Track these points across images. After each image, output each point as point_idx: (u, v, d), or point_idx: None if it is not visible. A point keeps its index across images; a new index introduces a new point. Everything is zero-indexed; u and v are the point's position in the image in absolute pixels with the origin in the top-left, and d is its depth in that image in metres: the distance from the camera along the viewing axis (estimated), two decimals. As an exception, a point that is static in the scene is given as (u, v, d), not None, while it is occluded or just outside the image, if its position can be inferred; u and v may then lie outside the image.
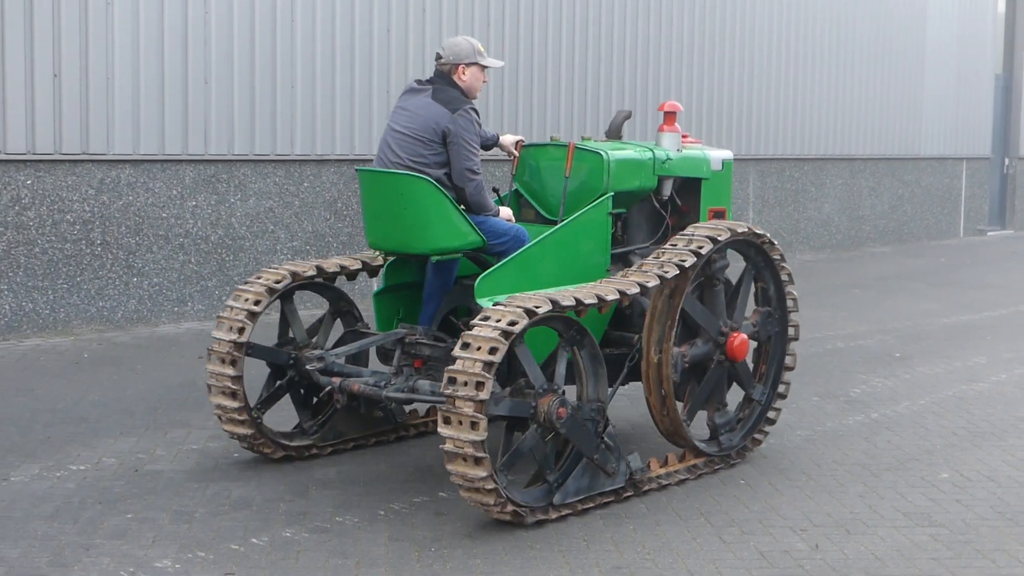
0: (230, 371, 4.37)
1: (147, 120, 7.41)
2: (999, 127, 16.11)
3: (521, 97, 9.77)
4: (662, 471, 4.51)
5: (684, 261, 4.32)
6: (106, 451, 4.69)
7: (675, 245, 4.48)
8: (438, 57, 4.72)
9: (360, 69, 8.66)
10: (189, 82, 7.63)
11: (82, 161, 7.22)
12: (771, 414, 5.02)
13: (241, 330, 4.38)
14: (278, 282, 4.55)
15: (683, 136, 5.27)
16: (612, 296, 4.13)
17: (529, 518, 3.93)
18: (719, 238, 4.50)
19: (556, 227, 4.59)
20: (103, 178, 7.31)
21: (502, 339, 3.68)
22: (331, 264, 4.82)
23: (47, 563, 3.62)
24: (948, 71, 14.75)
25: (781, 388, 5.04)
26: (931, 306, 9.79)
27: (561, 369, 4.13)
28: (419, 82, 4.76)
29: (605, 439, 4.23)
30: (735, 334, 4.70)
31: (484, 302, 4.10)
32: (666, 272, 4.29)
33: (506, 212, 4.79)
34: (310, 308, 7.07)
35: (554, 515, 4.03)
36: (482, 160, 5.22)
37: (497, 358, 3.67)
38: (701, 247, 4.42)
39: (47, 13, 6.93)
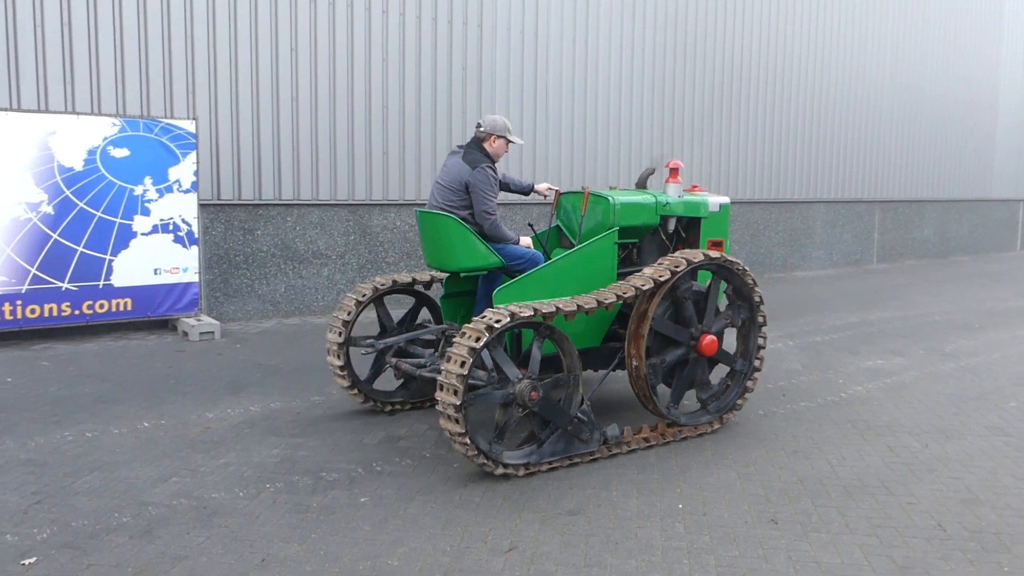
0: (338, 362, 5.37)
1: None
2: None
3: (599, 153, 11.65)
4: (639, 436, 5.00)
5: (644, 286, 4.87)
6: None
7: (643, 273, 4.98)
8: (478, 126, 5.39)
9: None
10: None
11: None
12: (749, 383, 5.48)
13: (340, 333, 5.36)
14: (364, 296, 5.43)
15: (694, 187, 5.98)
16: (570, 308, 4.59)
17: (497, 470, 4.38)
18: (676, 268, 4.95)
19: (567, 252, 5.16)
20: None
21: (486, 332, 4.28)
22: (405, 277, 5.65)
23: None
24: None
25: (757, 363, 5.52)
26: (1000, 294, 11.57)
27: (536, 359, 4.54)
28: (459, 146, 5.46)
29: (578, 414, 4.66)
30: (704, 335, 5.19)
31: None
32: (625, 293, 4.83)
33: (525, 241, 5.39)
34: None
35: (532, 470, 4.50)
36: (524, 203, 6.73)
37: (479, 345, 4.23)
38: (661, 275, 4.90)
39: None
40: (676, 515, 4.07)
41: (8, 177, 7.11)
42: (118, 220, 7.62)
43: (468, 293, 5.71)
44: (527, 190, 5.90)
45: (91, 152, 7.45)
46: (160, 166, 7.79)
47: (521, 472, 4.47)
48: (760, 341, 5.57)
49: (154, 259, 7.83)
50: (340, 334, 5.40)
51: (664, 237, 5.75)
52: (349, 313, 5.40)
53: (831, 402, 6.11)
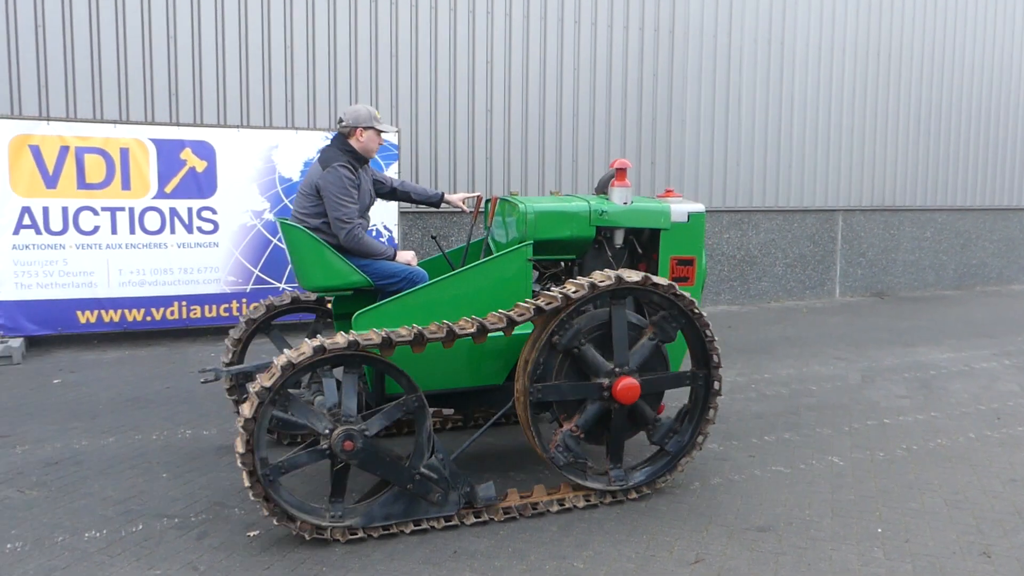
0: (226, 385, 5.04)
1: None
2: None
3: (794, 162, 11.10)
4: (555, 496, 4.12)
5: (497, 323, 3.96)
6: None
7: (541, 296, 4.06)
8: (340, 120, 4.62)
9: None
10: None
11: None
12: (683, 461, 4.38)
13: (230, 363, 5.02)
14: (238, 339, 5.05)
15: (667, 192, 5.00)
16: (404, 338, 3.73)
17: (329, 535, 3.70)
18: (547, 306, 3.96)
19: (456, 271, 4.26)
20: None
21: (259, 396, 3.55)
22: (286, 297, 5.19)
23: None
24: None
25: (699, 438, 4.39)
26: None
27: (350, 403, 3.74)
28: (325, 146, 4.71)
29: (423, 470, 3.82)
30: (622, 378, 4.12)
31: None
32: (499, 321, 3.96)
33: (405, 256, 4.60)
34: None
35: (358, 535, 3.74)
36: (432, 213, 6.18)
37: (251, 414, 3.52)
38: (550, 303, 3.97)
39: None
40: (874, 539, 3.85)
41: (238, 187, 7.84)
42: (329, 226, 8.20)
43: None
44: (435, 200, 5.09)
45: (306, 164, 8.07)
46: (366, 176, 8.31)
47: (345, 537, 3.74)
48: (709, 412, 4.39)
49: (359, 262, 8.36)
50: (230, 363, 5.01)
51: (610, 253, 4.71)
52: (231, 352, 5.05)
53: (1055, 429, 5.54)
